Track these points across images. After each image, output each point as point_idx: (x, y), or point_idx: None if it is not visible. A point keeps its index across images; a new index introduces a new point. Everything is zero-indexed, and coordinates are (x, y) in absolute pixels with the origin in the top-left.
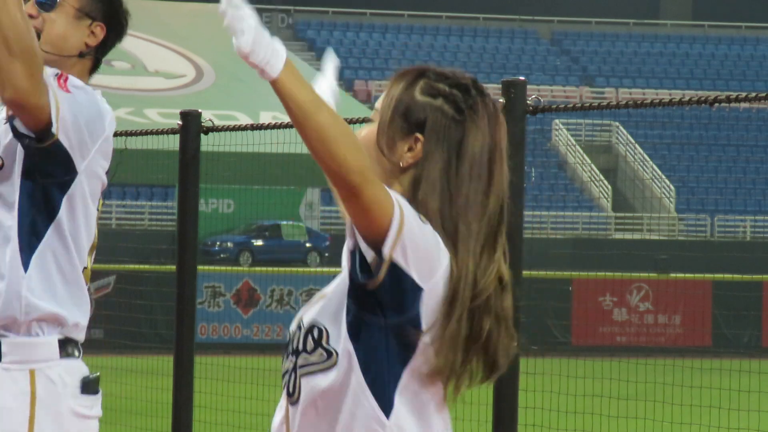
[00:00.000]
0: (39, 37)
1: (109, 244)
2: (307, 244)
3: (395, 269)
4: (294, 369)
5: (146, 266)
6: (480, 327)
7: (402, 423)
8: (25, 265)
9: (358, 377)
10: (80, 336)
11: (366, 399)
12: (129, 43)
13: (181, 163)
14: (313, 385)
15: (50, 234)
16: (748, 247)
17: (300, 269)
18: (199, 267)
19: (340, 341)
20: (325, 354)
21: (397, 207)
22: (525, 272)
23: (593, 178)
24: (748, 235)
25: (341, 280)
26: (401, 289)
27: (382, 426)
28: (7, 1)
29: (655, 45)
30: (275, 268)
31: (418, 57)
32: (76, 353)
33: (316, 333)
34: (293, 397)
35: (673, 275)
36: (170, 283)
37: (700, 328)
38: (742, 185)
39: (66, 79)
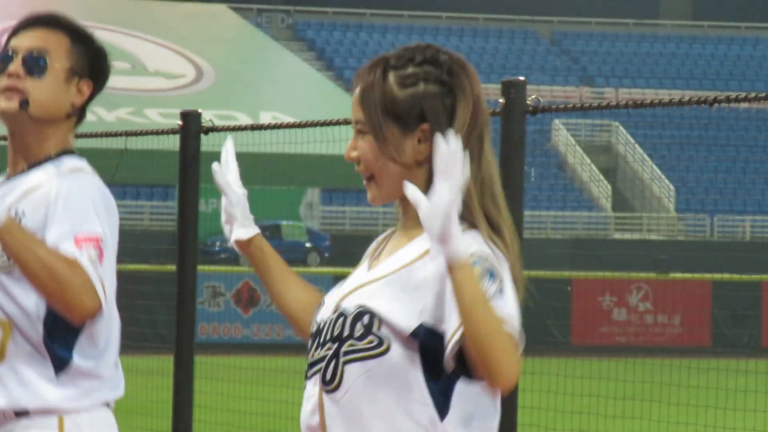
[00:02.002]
0: (27, 103)
1: None
2: (307, 244)
3: None
4: (335, 356)
5: (146, 266)
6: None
7: (454, 421)
8: None
9: (416, 371)
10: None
11: (419, 390)
12: (129, 43)
13: (181, 163)
14: (360, 371)
15: None
16: (748, 247)
17: (300, 269)
18: (199, 267)
19: (395, 330)
20: (376, 341)
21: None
22: (524, 272)
23: (593, 178)
24: (748, 235)
25: (396, 272)
26: None
27: (432, 422)
28: (31, 248)
29: (655, 45)
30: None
31: None
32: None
33: (366, 319)
34: (332, 385)
35: (673, 275)
36: (170, 283)
37: (700, 328)
38: (742, 185)
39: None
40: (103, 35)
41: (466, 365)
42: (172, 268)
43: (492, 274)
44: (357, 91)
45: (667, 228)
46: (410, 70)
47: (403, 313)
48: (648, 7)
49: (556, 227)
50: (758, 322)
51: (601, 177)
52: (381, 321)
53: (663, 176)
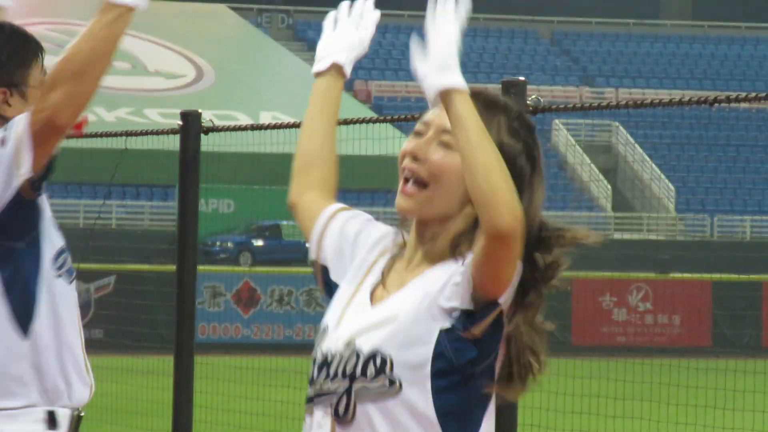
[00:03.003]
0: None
1: (109, 244)
2: (308, 244)
3: (499, 317)
4: (346, 393)
5: (146, 266)
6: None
7: None
8: None
9: (428, 407)
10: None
11: (431, 425)
12: (129, 43)
13: (181, 163)
14: (373, 409)
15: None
16: (748, 247)
17: (300, 269)
18: (199, 267)
19: (409, 371)
20: (387, 383)
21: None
22: None
23: (593, 178)
24: (748, 235)
25: (414, 315)
26: (498, 331)
27: None
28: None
29: (655, 45)
30: (275, 268)
31: None
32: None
33: (378, 361)
34: (345, 419)
35: (673, 275)
36: (170, 283)
37: (700, 328)
38: (742, 185)
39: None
40: None
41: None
42: (172, 268)
43: None
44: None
45: (667, 228)
46: (516, 124)
47: (417, 351)
48: (648, 7)
49: None
50: (758, 322)
51: (601, 177)
52: (393, 363)
53: (663, 176)
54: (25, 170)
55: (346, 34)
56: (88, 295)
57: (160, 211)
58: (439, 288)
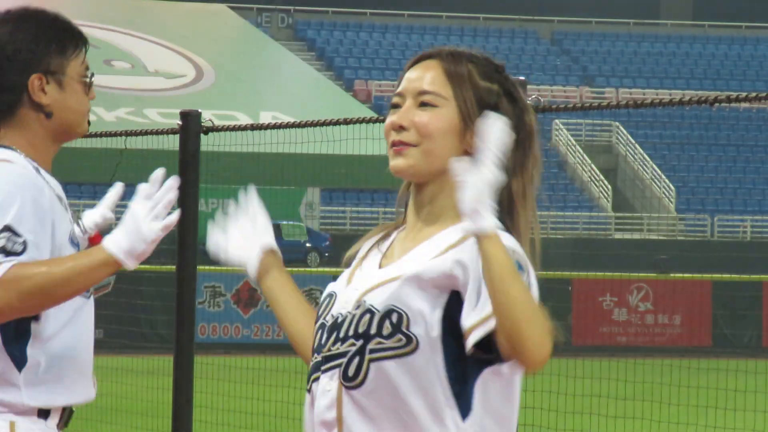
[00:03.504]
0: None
1: None
2: (307, 244)
3: None
4: (359, 353)
5: (146, 266)
6: None
7: (475, 422)
8: None
9: (441, 370)
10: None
11: (443, 390)
12: (129, 43)
13: (181, 163)
14: (387, 368)
15: None
16: (748, 247)
17: (300, 269)
18: (199, 267)
19: (423, 328)
20: (404, 339)
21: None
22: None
23: (593, 178)
24: (748, 235)
25: (422, 270)
26: None
27: (454, 421)
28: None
29: (655, 45)
30: None
31: None
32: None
33: (395, 318)
34: (355, 381)
35: (673, 275)
36: (170, 283)
37: (700, 328)
38: (742, 185)
39: None
40: (103, 35)
41: (486, 360)
42: (172, 268)
43: (521, 266)
44: (431, 64)
45: (668, 228)
46: (486, 68)
47: (431, 310)
48: (648, 7)
49: (557, 227)
50: (758, 322)
51: (602, 177)
52: (410, 320)
53: (663, 176)
54: None
55: (244, 229)
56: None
57: None
58: (449, 261)
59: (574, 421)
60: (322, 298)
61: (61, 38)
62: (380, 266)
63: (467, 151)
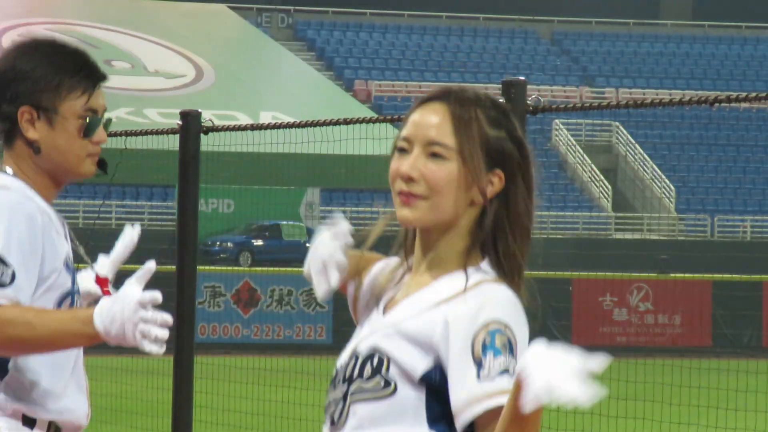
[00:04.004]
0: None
1: (109, 244)
2: (307, 244)
3: None
4: (344, 398)
5: None
6: None
7: None
8: None
9: (420, 416)
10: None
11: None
12: (129, 43)
13: (181, 163)
14: (364, 411)
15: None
16: (748, 247)
17: (300, 269)
18: (199, 267)
19: (405, 372)
20: (383, 383)
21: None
22: (525, 272)
23: (593, 178)
24: (748, 235)
25: (417, 325)
26: None
27: None
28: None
29: (655, 45)
30: (275, 268)
31: (418, 57)
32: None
33: (375, 361)
34: (337, 425)
35: (673, 275)
36: (170, 283)
37: (700, 328)
38: (742, 185)
39: None
40: (103, 35)
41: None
42: (172, 268)
43: (511, 349)
44: (438, 109)
45: (668, 228)
46: (493, 113)
47: (415, 356)
48: (648, 7)
49: (557, 227)
50: (758, 322)
51: (602, 177)
52: (390, 363)
53: (663, 176)
54: None
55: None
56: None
57: (159, 211)
58: (435, 323)
59: (576, 421)
60: None
61: (58, 73)
62: (385, 309)
63: (473, 201)
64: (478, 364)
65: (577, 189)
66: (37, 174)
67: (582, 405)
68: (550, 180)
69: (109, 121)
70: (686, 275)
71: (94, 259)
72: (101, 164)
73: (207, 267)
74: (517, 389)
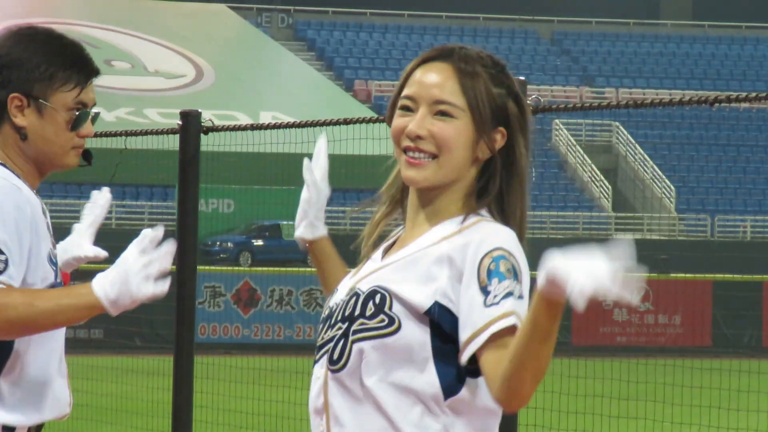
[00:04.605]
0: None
1: (109, 244)
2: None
3: None
4: (344, 336)
5: None
6: None
7: (458, 403)
8: None
9: (425, 351)
10: None
11: (428, 371)
12: (129, 43)
13: (181, 163)
14: (368, 349)
15: None
16: (748, 247)
17: (300, 269)
18: (199, 267)
19: (408, 308)
20: (386, 320)
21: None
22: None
23: (593, 178)
24: (748, 235)
25: (411, 254)
26: None
27: (436, 401)
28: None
29: (655, 45)
30: (275, 268)
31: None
32: None
33: (378, 299)
34: (338, 365)
35: (673, 275)
36: (170, 283)
37: (700, 328)
38: (742, 185)
39: None
40: (103, 35)
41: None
42: (172, 268)
43: (516, 274)
44: (444, 69)
45: (668, 228)
46: (494, 71)
47: (417, 291)
48: (648, 7)
49: (557, 227)
50: (759, 322)
51: (602, 177)
52: (393, 299)
53: (663, 176)
54: None
55: (308, 200)
56: None
57: (160, 211)
58: (444, 254)
59: (576, 421)
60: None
61: (53, 65)
62: (382, 259)
63: (478, 158)
64: (485, 292)
65: (577, 189)
66: (22, 160)
67: (628, 299)
68: (550, 180)
69: (97, 115)
70: (686, 275)
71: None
72: (86, 155)
73: (207, 267)
74: (543, 300)
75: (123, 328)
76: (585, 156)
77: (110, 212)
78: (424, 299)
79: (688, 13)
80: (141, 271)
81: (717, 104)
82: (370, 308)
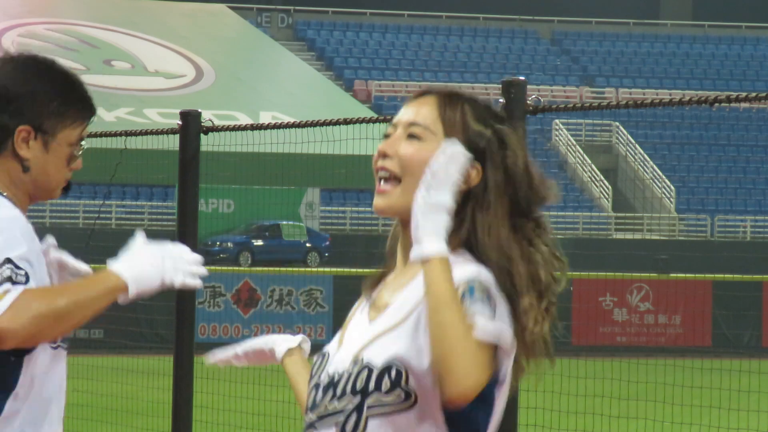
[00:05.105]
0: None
1: (109, 244)
2: (307, 244)
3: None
4: (357, 409)
5: None
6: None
7: None
8: None
9: (440, 424)
10: None
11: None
12: (129, 43)
13: (181, 163)
14: (386, 425)
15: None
16: (748, 247)
17: (300, 269)
18: None
19: (420, 380)
20: (403, 395)
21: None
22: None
23: (593, 178)
24: (748, 235)
25: (409, 316)
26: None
27: None
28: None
29: (655, 45)
30: (275, 268)
31: (418, 57)
32: None
33: (393, 374)
34: None
35: (673, 275)
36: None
37: (700, 328)
38: (742, 185)
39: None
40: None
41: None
42: None
43: (488, 297)
44: (427, 99)
45: (668, 228)
46: (483, 112)
47: (423, 356)
48: (648, 7)
49: (557, 227)
50: (759, 322)
51: (602, 177)
52: (409, 374)
53: (663, 176)
54: None
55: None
56: None
57: (160, 211)
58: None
59: (576, 421)
60: (315, 359)
61: (67, 103)
62: (370, 319)
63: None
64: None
65: (577, 189)
66: (18, 189)
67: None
68: (551, 180)
69: (84, 148)
70: (686, 275)
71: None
72: (67, 187)
73: (207, 267)
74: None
75: (123, 328)
76: (585, 156)
77: (110, 212)
78: (427, 366)
79: (688, 13)
80: (180, 257)
81: (717, 104)
82: (386, 383)
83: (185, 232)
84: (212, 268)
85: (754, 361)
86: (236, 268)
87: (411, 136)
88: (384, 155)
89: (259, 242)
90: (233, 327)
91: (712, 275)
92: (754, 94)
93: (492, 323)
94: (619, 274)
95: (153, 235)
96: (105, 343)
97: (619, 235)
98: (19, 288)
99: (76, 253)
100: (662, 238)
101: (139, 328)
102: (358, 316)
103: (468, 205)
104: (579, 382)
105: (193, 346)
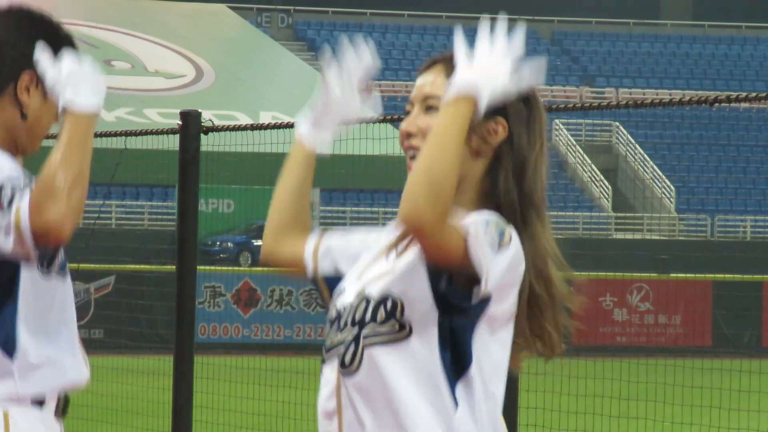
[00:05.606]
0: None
1: (109, 244)
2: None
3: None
4: (355, 340)
5: (146, 266)
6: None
7: (465, 412)
8: None
9: (435, 358)
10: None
11: (438, 377)
12: (129, 43)
13: (181, 163)
14: (380, 354)
15: None
16: (748, 247)
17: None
18: (199, 267)
19: (417, 313)
20: (398, 326)
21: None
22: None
23: (593, 178)
24: (748, 235)
25: (410, 263)
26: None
27: (446, 409)
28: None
29: (655, 45)
30: (275, 268)
31: (418, 57)
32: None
33: (389, 305)
34: (351, 367)
35: (673, 275)
36: (170, 283)
37: (700, 328)
38: (742, 185)
39: None
40: (103, 35)
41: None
42: (172, 268)
43: (501, 233)
44: (436, 69)
45: (668, 228)
46: None
47: (426, 291)
48: (648, 7)
49: (557, 227)
50: (759, 322)
51: (602, 177)
52: (404, 306)
53: (663, 176)
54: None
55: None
56: (88, 295)
57: (159, 211)
58: None
59: (576, 421)
60: (334, 293)
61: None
62: (387, 258)
63: (478, 152)
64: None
65: (577, 189)
66: (12, 138)
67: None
68: (550, 180)
69: None
70: (686, 275)
71: None
72: None
73: (207, 267)
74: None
75: (123, 328)
76: (585, 156)
77: (110, 212)
78: (429, 301)
79: (688, 13)
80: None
81: (717, 104)
82: (381, 314)
83: (185, 232)
84: (212, 268)
85: (754, 361)
86: (236, 268)
87: (429, 108)
88: (408, 134)
89: (260, 242)
90: (233, 327)
91: (712, 275)
92: (754, 94)
93: (495, 258)
94: (619, 274)
95: (153, 235)
96: (105, 343)
97: (619, 235)
98: (26, 190)
99: (77, 253)
100: (662, 238)
101: (139, 328)
102: (381, 261)
103: (500, 161)
104: (579, 382)
105: (193, 346)
